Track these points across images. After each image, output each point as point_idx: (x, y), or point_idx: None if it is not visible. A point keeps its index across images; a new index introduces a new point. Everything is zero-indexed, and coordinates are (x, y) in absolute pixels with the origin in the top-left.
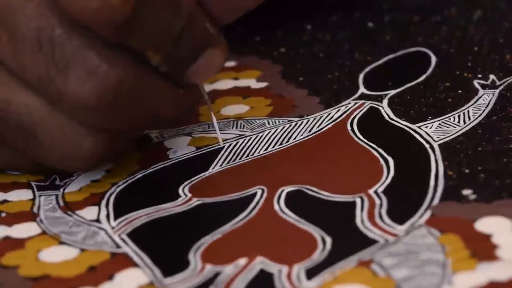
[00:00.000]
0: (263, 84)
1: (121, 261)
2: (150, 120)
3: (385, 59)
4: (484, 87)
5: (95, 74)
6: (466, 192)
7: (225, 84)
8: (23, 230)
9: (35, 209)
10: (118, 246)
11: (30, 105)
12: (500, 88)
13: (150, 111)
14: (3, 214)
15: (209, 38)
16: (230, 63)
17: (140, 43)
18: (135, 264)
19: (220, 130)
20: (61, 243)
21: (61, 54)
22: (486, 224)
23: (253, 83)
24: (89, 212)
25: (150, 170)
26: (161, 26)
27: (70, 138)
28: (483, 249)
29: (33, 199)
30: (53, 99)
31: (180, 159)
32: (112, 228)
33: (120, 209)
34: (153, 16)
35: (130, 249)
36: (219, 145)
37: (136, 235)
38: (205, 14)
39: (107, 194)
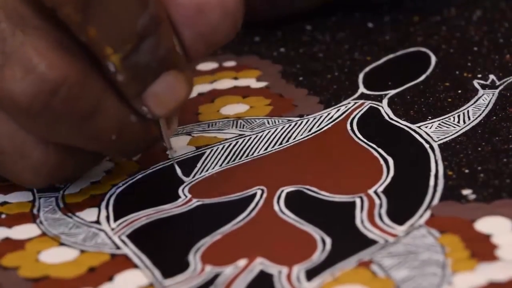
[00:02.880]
0: (262, 84)
1: (121, 263)
2: (92, 139)
3: (385, 59)
4: (484, 87)
5: (32, 73)
6: (466, 192)
7: (225, 83)
8: (23, 231)
9: (35, 211)
10: (118, 248)
11: None
12: (500, 88)
13: (91, 129)
14: (3, 216)
15: (175, 58)
16: (230, 63)
17: (97, 31)
18: (135, 266)
19: (219, 130)
20: (61, 244)
21: (2, 49)
22: (485, 224)
23: (253, 83)
24: (89, 214)
25: (150, 171)
26: (123, 16)
27: (19, 147)
28: (482, 249)
29: (33, 201)
30: None
31: (180, 159)
32: (112, 229)
33: (120, 211)
34: (116, 2)
35: (130, 250)
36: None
37: (136, 237)
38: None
39: (107, 196)
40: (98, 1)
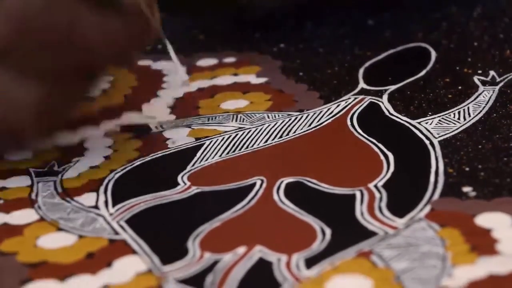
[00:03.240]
0: (262, 80)
1: (119, 248)
2: (78, 55)
3: (385, 54)
4: (484, 83)
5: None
6: (466, 189)
7: (225, 79)
8: (21, 216)
9: (33, 196)
10: (116, 233)
11: None
12: (500, 84)
13: (75, 43)
14: (1, 201)
15: None
16: (230, 59)
17: None
18: (133, 251)
19: (219, 123)
20: (59, 229)
21: None
22: (486, 219)
23: (253, 79)
24: (88, 199)
25: (149, 158)
26: None
27: (4, 92)
28: (483, 243)
29: (31, 186)
30: None
31: (179, 148)
32: (111, 214)
33: (119, 196)
34: None
35: (128, 236)
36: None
37: (135, 222)
38: None
39: (106, 181)
40: None
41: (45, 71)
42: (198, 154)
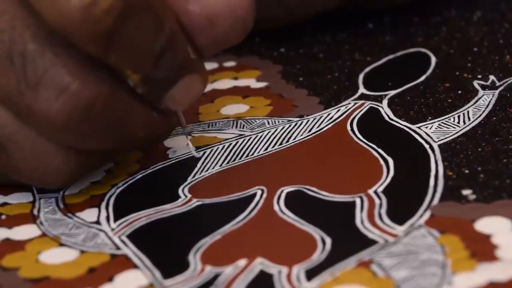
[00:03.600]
0: (262, 84)
1: (121, 263)
2: (122, 141)
3: (385, 59)
4: (484, 87)
5: (66, 93)
6: (466, 192)
7: (225, 84)
8: (23, 232)
9: (35, 211)
10: (118, 248)
11: (0, 119)
12: (500, 88)
13: (122, 133)
14: (3, 217)
15: (190, 63)
16: (230, 63)
17: (119, 59)
18: (135, 266)
19: (219, 130)
20: (61, 244)
21: (33, 70)
22: (485, 225)
23: (253, 83)
24: (89, 214)
25: (150, 170)
26: (142, 43)
27: (40, 155)
28: (482, 249)
29: (33, 202)
30: (22, 115)
31: (180, 159)
32: (112, 229)
33: (120, 211)
34: (135, 31)
35: (130, 250)
36: (197, 155)
37: (136, 237)
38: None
39: (107, 196)
40: (119, 33)
41: (81, 151)
42: (199, 165)
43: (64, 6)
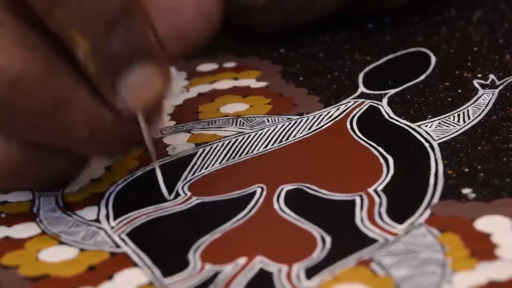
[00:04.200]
0: (262, 84)
1: (120, 261)
2: (58, 136)
3: (385, 59)
4: (483, 86)
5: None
6: (466, 191)
7: (225, 84)
8: (22, 230)
9: (34, 210)
10: (117, 246)
11: None
12: (500, 87)
13: (57, 125)
14: (3, 215)
15: (149, 50)
16: (230, 64)
17: (65, 15)
18: (134, 264)
19: (219, 128)
20: (61, 243)
21: None
22: (485, 223)
23: (253, 83)
24: (89, 212)
25: (149, 168)
26: (93, 2)
27: None
28: (482, 248)
29: (33, 200)
30: None
31: (179, 156)
32: (112, 227)
33: (120, 209)
34: None
35: (129, 249)
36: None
37: (136, 235)
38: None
39: (107, 194)
40: None
41: (25, 138)
42: (199, 162)
43: None
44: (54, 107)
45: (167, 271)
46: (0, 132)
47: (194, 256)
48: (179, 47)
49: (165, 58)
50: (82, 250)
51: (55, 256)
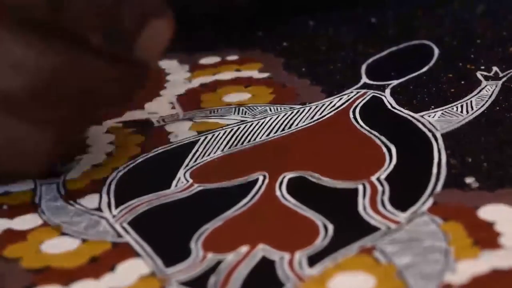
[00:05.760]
0: (265, 75)
1: (122, 251)
2: (93, 102)
3: (388, 51)
4: (487, 78)
5: (22, 67)
6: (469, 180)
7: (227, 75)
8: (24, 221)
9: (36, 200)
10: (119, 236)
11: None
12: (503, 79)
13: (92, 94)
14: (5, 207)
15: (151, 8)
16: (233, 57)
17: (74, 21)
18: (136, 254)
19: (221, 116)
20: (63, 233)
21: None
22: (489, 212)
23: (255, 74)
24: (90, 200)
25: (151, 154)
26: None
27: (13, 138)
28: (486, 237)
29: (34, 189)
30: None
31: (182, 143)
32: (114, 216)
33: (121, 196)
34: None
35: (131, 238)
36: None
37: (137, 224)
38: None
39: (108, 180)
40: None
41: (56, 121)
42: (200, 149)
43: None
44: (86, 84)
45: (169, 261)
46: (34, 122)
47: (196, 245)
48: None
49: (166, 7)
50: (84, 240)
51: (57, 247)
